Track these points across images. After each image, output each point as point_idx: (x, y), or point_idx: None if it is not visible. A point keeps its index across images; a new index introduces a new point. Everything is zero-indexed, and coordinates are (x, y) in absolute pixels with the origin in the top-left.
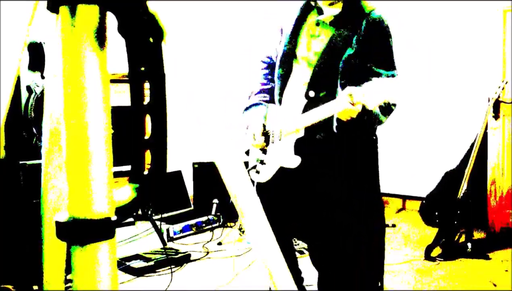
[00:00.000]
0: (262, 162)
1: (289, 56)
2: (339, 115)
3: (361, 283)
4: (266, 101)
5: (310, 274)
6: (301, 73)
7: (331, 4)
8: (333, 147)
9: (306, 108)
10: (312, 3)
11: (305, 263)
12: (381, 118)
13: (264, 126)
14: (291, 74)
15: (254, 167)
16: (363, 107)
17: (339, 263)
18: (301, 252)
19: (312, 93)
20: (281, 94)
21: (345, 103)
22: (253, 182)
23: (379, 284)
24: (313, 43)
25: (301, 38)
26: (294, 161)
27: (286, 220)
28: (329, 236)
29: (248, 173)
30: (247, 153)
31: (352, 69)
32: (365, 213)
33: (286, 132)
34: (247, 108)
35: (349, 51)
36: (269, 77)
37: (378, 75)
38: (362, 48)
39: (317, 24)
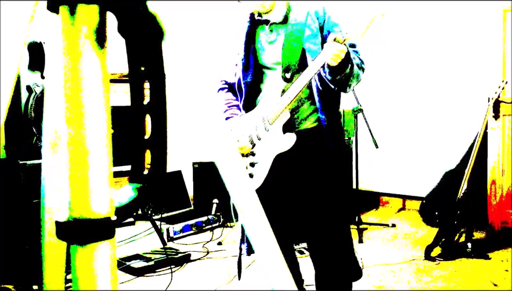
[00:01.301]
0: (252, 164)
1: (253, 66)
2: (331, 59)
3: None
4: (236, 114)
5: (310, 274)
6: (274, 73)
7: (272, 9)
8: (319, 125)
9: (284, 90)
10: (258, 17)
11: (305, 263)
12: (362, 65)
13: (245, 133)
14: (265, 79)
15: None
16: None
17: (326, 255)
18: (301, 252)
19: (288, 75)
20: (250, 100)
21: (334, 46)
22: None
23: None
24: (276, 46)
25: (260, 49)
26: (288, 141)
27: (284, 220)
28: (317, 221)
29: None
30: None
31: (317, 44)
32: (338, 199)
33: (272, 117)
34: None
35: (308, 31)
36: (233, 97)
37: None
38: (319, 27)
39: (271, 30)
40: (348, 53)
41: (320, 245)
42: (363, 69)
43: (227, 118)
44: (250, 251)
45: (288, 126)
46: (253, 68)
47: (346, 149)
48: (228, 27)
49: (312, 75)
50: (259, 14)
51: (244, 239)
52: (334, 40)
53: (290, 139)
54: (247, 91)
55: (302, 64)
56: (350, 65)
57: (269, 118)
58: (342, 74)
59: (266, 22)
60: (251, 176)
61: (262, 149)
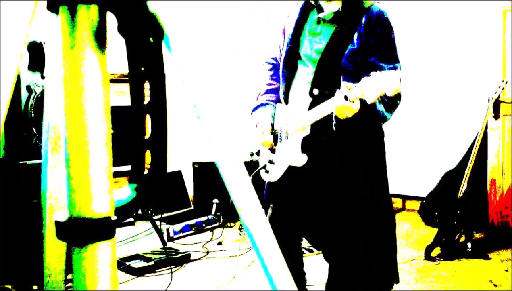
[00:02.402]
0: (271, 162)
1: (292, 56)
2: (336, 113)
3: (371, 279)
4: (273, 101)
5: (311, 274)
6: (305, 71)
7: (329, 0)
8: (337, 144)
9: (311, 106)
10: (312, 1)
11: (307, 262)
12: (385, 115)
13: (272, 125)
14: (296, 74)
15: (264, 167)
16: (364, 103)
17: (348, 261)
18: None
19: (316, 91)
20: (286, 93)
21: (340, 101)
22: (263, 181)
23: (392, 280)
24: (315, 41)
25: (303, 37)
26: (301, 159)
27: (295, 219)
28: (338, 235)
29: (258, 172)
30: (258, 153)
31: (355, 65)
32: (371, 209)
33: (292, 131)
34: (255, 108)
35: (351, 47)
36: (275, 77)
37: (381, 69)
38: (364, 44)
39: (318, 22)
40: (363, 111)
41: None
42: (398, 100)
43: (260, 105)
44: None
45: (306, 141)
46: (292, 59)
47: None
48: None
49: (321, 117)
50: None
51: None
52: (345, 97)
53: (303, 158)
54: (286, 84)
55: (334, 83)
56: (368, 114)
57: (289, 130)
58: (355, 123)
59: (319, 9)
60: (267, 171)
61: (280, 153)
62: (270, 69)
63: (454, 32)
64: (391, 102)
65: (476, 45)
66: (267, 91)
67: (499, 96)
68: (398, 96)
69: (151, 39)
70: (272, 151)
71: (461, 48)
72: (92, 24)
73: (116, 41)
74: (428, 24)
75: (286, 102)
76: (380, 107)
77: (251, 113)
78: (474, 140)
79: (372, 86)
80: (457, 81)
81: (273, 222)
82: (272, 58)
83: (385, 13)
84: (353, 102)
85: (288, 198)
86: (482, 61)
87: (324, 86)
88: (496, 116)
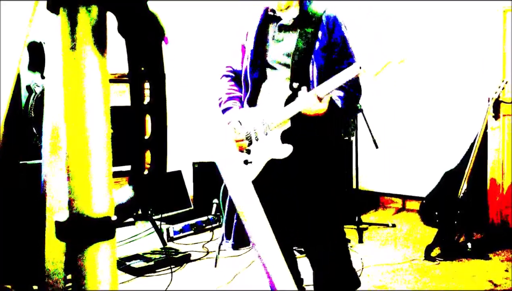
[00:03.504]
0: (246, 162)
1: (259, 64)
2: (306, 111)
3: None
4: (237, 106)
5: (310, 274)
6: (277, 74)
7: (286, 8)
8: (317, 137)
9: (289, 99)
10: (270, 13)
11: (304, 263)
12: (347, 111)
13: (240, 123)
14: (267, 79)
15: None
16: (330, 104)
17: (323, 256)
18: (301, 252)
19: (295, 85)
20: (254, 97)
21: (311, 100)
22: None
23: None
24: (282, 47)
25: (268, 46)
26: (285, 150)
27: (278, 215)
28: (318, 231)
29: None
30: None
31: (324, 60)
32: (336, 201)
33: (273, 124)
34: (223, 110)
35: (318, 44)
36: (235, 88)
37: (341, 65)
38: (328, 42)
39: (280, 30)
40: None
41: (316, 252)
42: (355, 100)
43: (226, 109)
44: (236, 246)
45: (286, 134)
46: (260, 65)
47: (341, 149)
48: (241, 14)
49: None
50: (273, 10)
51: (230, 235)
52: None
53: (287, 149)
54: (253, 88)
55: (308, 77)
56: (331, 112)
57: (269, 125)
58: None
59: (278, 19)
60: None
61: (258, 150)
62: (230, 81)
63: (454, 32)
64: (349, 95)
65: (476, 45)
66: (230, 98)
67: (499, 96)
68: (358, 99)
69: (151, 39)
70: (248, 151)
71: (461, 48)
72: (92, 25)
73: (116, 41)
74: (428, 24)
75: (253, 105)
76: (338, 102)
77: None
78: (474, 140)
79: (327, 88)
80: (457, 81)
81: None
82: (229, 69)
83: (338, 18)
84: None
85: (269, 194)
86: (482, 61)
87: (301, 82)
88: (496, 116)
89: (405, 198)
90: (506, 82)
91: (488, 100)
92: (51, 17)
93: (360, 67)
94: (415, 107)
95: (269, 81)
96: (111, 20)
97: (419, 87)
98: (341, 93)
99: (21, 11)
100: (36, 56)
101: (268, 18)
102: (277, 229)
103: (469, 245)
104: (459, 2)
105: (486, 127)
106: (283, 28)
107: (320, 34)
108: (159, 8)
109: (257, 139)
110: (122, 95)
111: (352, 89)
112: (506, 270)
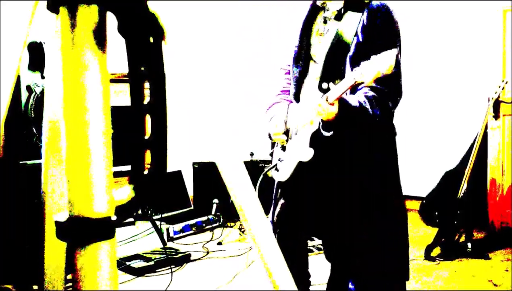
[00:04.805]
0: (280, 160)
1: (303, 57)
2: (319, 116)
3: (380, 277)
4: (287, 100)
5: (312, 273)
6: (315, 69)
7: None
8: (343, 139)
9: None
10: (318, 3)
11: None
12: (372, 110)
13: (285, 122)
14: (308, 73)
15: (275, 166)
16: (341, 105)
17: (355, 258)
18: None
19: (325, 85)
20: (297, 93)
21: (316, 106)
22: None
23: (402, 276)
24: (322, 41)
25: (312, 38)
26: (307, 154)
27: (303, 217)
28: (343, 230)
29: (267, 172)
30: (271, 154)
31: (360, 59)
32: (381, 206)
33: (300, 125)
34: (269, 107)
35: (355, 41)
36: (289, 81)
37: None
38: (367, 38)
39: (325, 21)
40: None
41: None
42: (385, 97)
43: (276, 102)
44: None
45: (313, 136)
46: (304, 58)
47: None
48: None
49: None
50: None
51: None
52: (327, 100)
53: (308, 152)
54: (296, 83)
55: (341, 77)
56: (350, 115)
57: (298, 125)
58: (338, 127)
59: (324, 9)
60: (276, 169)
61: (290, 150)
62: (286, 73)
63: (454, 32)
64: (378, 98)
65: (476, 45)
66: (281, 92)
67: (499, 96)
68: (388, 95)
69: (151, 39)
70: (283, 148)
71: (461, 48)
72: (92, 24)
73: (116, 41)
74: (428, 24)
75: (298, 101)
76: (362, 104)
77: (266, 112)
78: (474, 140)
79: (368, 67)
80: (457, 81)
81: (282, 221)
82: (287, 64)
83: (385, 7)
84: (333, 105)
85: (297, 196)
86: (482, 61)
87: (332, 80)
88: (496, 116)
89: (405, 198)
90: (506, 82)
91: (488, 100)
92: (51, 17)
93: (354, 78)
94: (415, 107)
95: (309, 77)
96: (111, 20)
97: (419, 87)
98: (369, 93)
99: (21, 11)
100: (36, 56)
101: (316, 8)
102: (296, 230)
103: (469, 245)
104: (459, 2)
105: (486, 127)
106: (327, 20)
107: (359, 30)
108: (159, 8)
109: (291, 138)
110: (121, 95)
111: (379, 85)
112: (506, 270)
